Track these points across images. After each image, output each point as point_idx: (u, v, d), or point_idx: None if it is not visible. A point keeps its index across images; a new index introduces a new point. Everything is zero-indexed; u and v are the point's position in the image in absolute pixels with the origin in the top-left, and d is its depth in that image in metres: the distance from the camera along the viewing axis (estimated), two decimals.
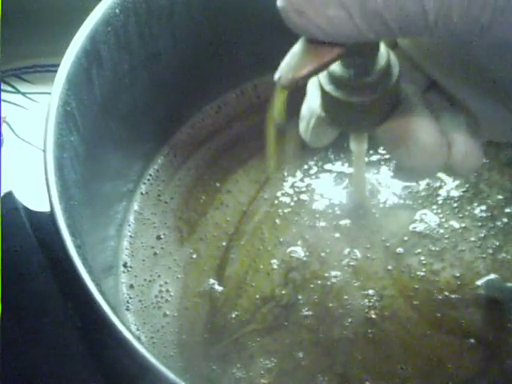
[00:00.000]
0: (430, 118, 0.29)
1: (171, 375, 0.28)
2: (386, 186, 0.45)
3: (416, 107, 0.29)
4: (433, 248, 0.42)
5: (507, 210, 0.43)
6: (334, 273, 0.41)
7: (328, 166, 0.46)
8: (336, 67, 0.28)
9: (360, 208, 0.43)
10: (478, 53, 0.26)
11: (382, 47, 0.28)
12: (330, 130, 0.31)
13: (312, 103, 0.31)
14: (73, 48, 0.36)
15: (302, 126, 0.32)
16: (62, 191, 0.33)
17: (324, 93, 0.29)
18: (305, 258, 0.42)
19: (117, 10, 0.38)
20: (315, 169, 0.46)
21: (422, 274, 0.41)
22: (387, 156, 0.45)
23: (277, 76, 0.25)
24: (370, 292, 0.41)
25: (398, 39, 0.30)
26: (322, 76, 0.28)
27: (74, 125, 0.36)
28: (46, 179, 0.33)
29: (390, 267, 0.41)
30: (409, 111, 0.29)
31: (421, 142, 0.29)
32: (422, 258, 0.42)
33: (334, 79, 0.28)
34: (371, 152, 0.46)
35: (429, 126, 0.29)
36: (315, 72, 0.25)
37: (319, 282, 0.41)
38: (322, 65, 0.25)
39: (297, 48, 0.26)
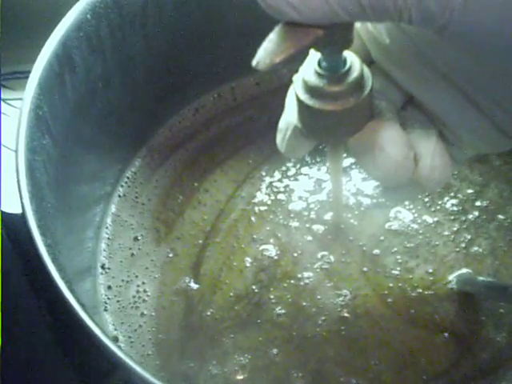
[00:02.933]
0: (398, 130, 0.30)
1: (143, 372, 0.29)
2: (359, 189, 0.45)
3: (388, 121, 0.30)
4: (408, 245, 0.43)
5: (477, 204, 0.44)
6: (306, 274, 0.42)
7: (305, 170, 0.47)
8: (311, 76, 0.29)
9: (337, 218, 0.43)
10: (448, 51, 0.26)
11: (356, 59, 0.29)
12: (305, 141, 0.32)
13: (289, 116, 0.32)
14: (44, 53, 0.37)
15: (279, 137, 0.33)
16: (34, 192, 0.33)
17: (299, 102, 0.30)
18: (276, 257, 0.42)
19: (88, 16, 0.39)
20: (293, 170, 0.47)
21: (397, 272, 0.42)
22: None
23: (254, 62, 0.26)
24: (344, 292, 0.41)
25: (372, 52, 0.31)
26: (298, 86, 0.29)
27: (46, 128, 0.36)
28: (18, 180, 0.33)
29: (365, 269, 0.42)
30: (380, 124, 0.30)
31: (386, 153, 0.30)
32: (398, 256, 0.42)
33: (309, 88, 0.29)
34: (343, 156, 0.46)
35: (396, 138, 0.30)
36: (293, 57, 0.26)
37: (292, 281, 0.41)
38: (299, 49, 0.26)
39: (274, 33, 0.26)
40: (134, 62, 0.43)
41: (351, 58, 0.29)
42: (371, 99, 0.30)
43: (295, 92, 0.30)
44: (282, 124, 0.33)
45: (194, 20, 0.45)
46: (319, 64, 0.29)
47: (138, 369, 0.29)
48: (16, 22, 0.52)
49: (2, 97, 0.51)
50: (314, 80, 0.29)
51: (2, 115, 0.51)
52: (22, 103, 0.35)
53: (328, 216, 0.44)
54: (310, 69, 0.29)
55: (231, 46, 0.48)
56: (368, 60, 0.31)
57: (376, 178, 0.32)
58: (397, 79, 0.30)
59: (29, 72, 0.37)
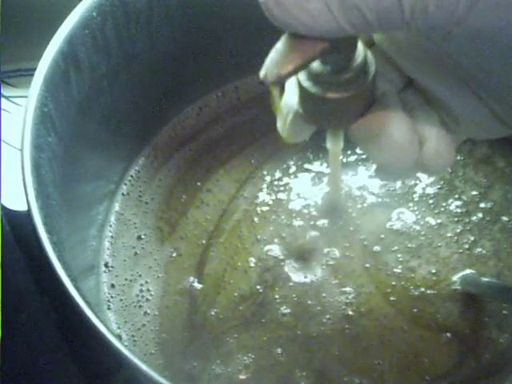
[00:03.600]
0: (402, 115, 0.30)
1: (148, 369, 0.29)
2: (364, 185, 0.45)
3: (391, 105, 0.30)
4: (409, 245, 0.43)
5: (482, 205, 0.44)
6: (312, 271, 0.42)
7: (307, 166, 0.47)
8: (314, 64, 0.28)
9: (337, 209, 0.44)
10: (452, 48, 0.26)
11: (360, 45, 0.28)
12: (306, 126, 0.32)
13: (290, 100, 0.31)
14: (50, 50, 0.37)
15: (280, 122, 0.32)
16: (39, 190, 0.33)
17: (301, 89, 0.29)
18: (281, 257, 0.42)
19: (94, 13, 0.39)
20: (294, 168, 0.47)
21: (399, 270, 0.42)
22: (364, 156, 0.46)
23: (262, 73, 0.26)
24: (348, 289, 0.41)
25: (374, 37, 0.30)
26: (300, 72, 0.29)
27: (52, 126, 0.36)
28: (23, 178, 0.33)
29: (367, 265, 0.42)
30: (383, 108, 0.30)
31: (391, 139, 0.29)
32: (399, 255, 0.42)
33: (312, 76, 0.28)
34: (349, 152, 0.46)
35: (401, 123, 0.30)
36: (300, 68, 0.26)
37: (297, 280, 0.41)
38: (306, 60, 0.26)
39: (281, 44, 0.26)
40: (138, 60, 0.43)
41: None
42: (374, 84, 0.29)
43: (297, 78, 0.29)
44: (282, 108, 0.32)
45: (199, 19, 0.45)
46: None
47: (143, 366, 0.29)
48: (19, 19, 0.52)
49: (5, 94, 0.51)
50: (317, 67, 0.28)
51: (4, 112, 0.51)
52: (27, 100, 0.35)
53: (330, 211, 0.44)
54: None
55: (236, 45, 0.48)
56: (369, 41, 0.30)
57: (380, 163, 0.32)
58: (398, 62, 0.30)
59: (32, 70, 0.37)
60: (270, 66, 0.25)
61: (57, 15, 0.39)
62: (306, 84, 0.29)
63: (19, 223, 0.33)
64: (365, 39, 0.30)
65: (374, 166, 0.45)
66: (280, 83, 0.26)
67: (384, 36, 0.30)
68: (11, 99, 0.51)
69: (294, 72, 0.26)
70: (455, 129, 0.31)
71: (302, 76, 0.29)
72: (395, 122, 0.30)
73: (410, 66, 0.30)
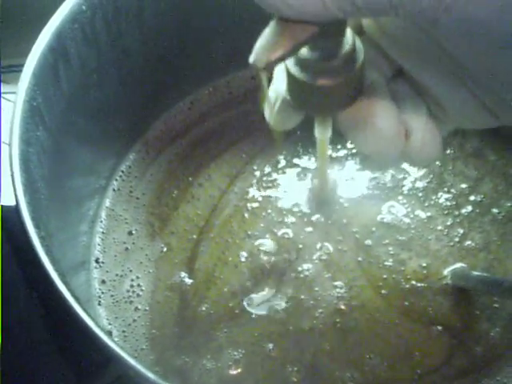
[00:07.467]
0: (390, 105, 0.30)
1: (137, 364, 0.29)
2: (353, 179, 0.45)
3: (379, 95, 0.30)
4: (400, 238, 0.43)
5: (471, 198, 0.44)
6: (304, 266, 0.42)
7: (296, 161, 0.47)
8: (302, 50, 0.28)
9: (325, 200, 0.43)
10: (441, 36, 0.26)
11: (348, 32, 0.28)
12: (294, 113, 0.31)
13: (278, 87, 0.31)
14: (39, 44, 0.37)
15: (268, 109, 0.32)
16: (28, 184, 0.33)
17: (289, 75, 0.29)
18: (272, 252, 0.42)
19: (83, 7, 0.39)
20: (284, 163, 0.47)
21: (390, 264, 0.42)
22: (354, 150, 0.46)
23: (252, 59, 0.25)
24: (340, 283, 0.41)
25: (364, 25, 0.30)
26: (289, 58, 0.28)
27: (41, 120, 0.36)
28: (11, 172, 0.33)
29: (360, 259, 0.42)
30: (371, 98, 0.29)
31: (377, 129, 0.29)
32: (390, 248, 0.42)
33: (300, 62, 0.28)
34: (338, 147, 0.46)
35: (387, 114, 0.29)
36: (290, 53, 0.26)
37: (292, 274, 0.41)
38: (296, 45, 0.25)
39: (269, 29, 0.26)
40: (128, 54, 0.43)
41: None
42: (362, 73, 0.29)
43: (285, 64, 0.29)
44: (270, 95, 0.32)
45: (190, 13, 0.45)
46: None
47: (133, 362, 0.29)
48: (12, 15, 0.51)
49: None
50: (305, 54, 0.28)
51: None
52: (16, 94, 0.35)
53: (318, 203, 0.44)
54: None
55: (227, 39, 0.48)
56: (358, 30, 0.30)
57: (366, 152, 0.32)
58: (388, 51, 0.30)
59: (23, 66, 0.37)
60: (259, 51, 0.25)
61: (50, 10, 0.39)
62: (294, 70, 0.28)
63: (8, 218, 0.33)
64: (355, 28, 0.29)
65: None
66: (269, 69, 0.26)
67: (374, 24, 0.30)
68: (2, 95, 0.51)
69: (284, 57, 0.25)
70: (443, 118, 0.31)
71: (290, 62, 0.28)
72: (382, 111, 0.29)
73: (400, 55, 0.30)
